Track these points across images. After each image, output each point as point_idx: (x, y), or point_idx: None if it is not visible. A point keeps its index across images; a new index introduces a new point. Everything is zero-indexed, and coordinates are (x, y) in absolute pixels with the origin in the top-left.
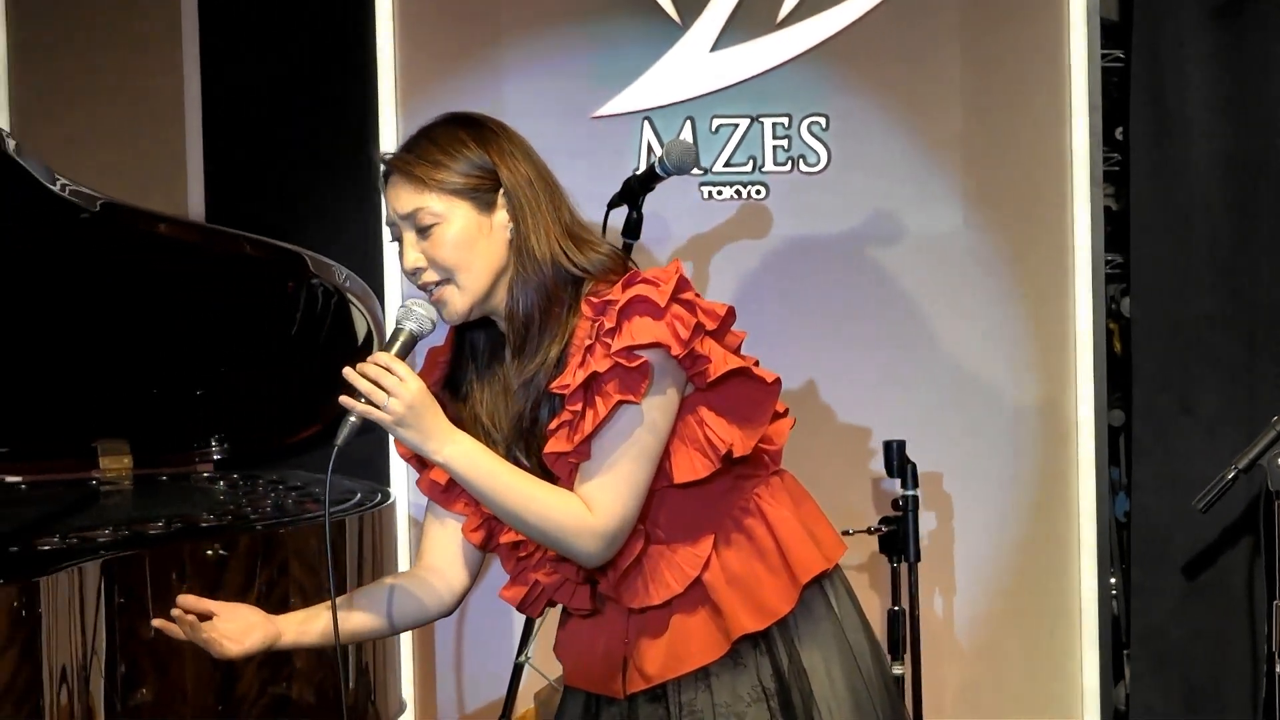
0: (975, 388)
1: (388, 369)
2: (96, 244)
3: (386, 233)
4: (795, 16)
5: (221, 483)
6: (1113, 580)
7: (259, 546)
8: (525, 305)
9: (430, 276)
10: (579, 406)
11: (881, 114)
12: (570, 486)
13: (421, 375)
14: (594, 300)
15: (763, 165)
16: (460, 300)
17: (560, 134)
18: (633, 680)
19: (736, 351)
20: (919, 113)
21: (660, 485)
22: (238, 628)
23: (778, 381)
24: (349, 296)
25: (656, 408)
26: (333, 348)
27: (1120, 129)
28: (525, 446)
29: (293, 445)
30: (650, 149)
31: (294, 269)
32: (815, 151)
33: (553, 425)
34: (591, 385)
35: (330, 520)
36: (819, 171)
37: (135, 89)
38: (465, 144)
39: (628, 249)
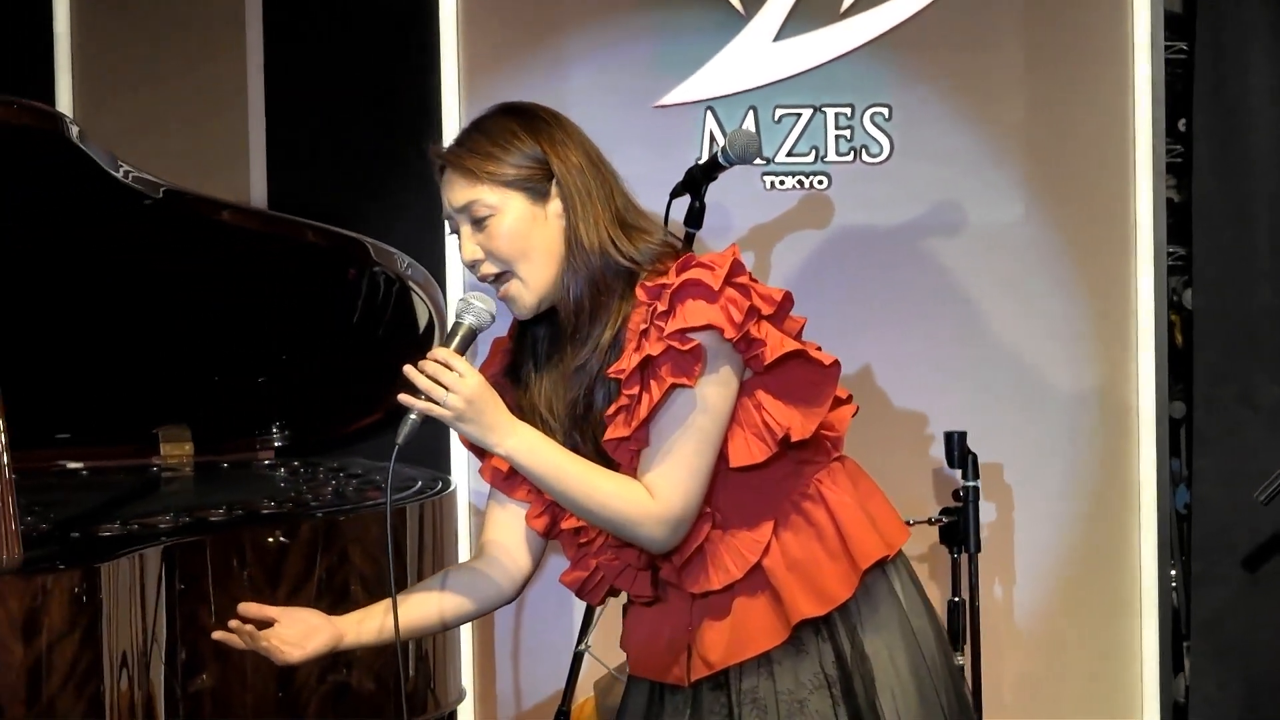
0: (1036, 379)
1: (446, 364)
2: (159, 231)
3: (445, 224)
4: (858, 7)
5: (282, 470)
6: (1173, 572)
7: (319, 534)
8: (575, 294)
9: (489, 269)
10: (635, 390)
11: (944, 104)
12: (631, 472)
13: (485, 365)
14: (648, 285)
15: (825, 155)
16: (527, 295)
17: (623, 123)
18: (696, 667)
19: (797, 336)
20: (981, 103)
21: (720, 470)
22: (299, 632)
23: (836, 364)
24: (410, 284)
25: (713, 391)
26: (394, 336)
27: (1183, 120)
28: (581, 433)
29: (353, 433)
30: (713, 138)
31: (355, 256)
32: (878, 142)
33: (610, 411)
34: (646, 369)
35: (391, 509)
36: (881, 162)
37: (198, 75)
38: (516, 135)
39: (690, 238)
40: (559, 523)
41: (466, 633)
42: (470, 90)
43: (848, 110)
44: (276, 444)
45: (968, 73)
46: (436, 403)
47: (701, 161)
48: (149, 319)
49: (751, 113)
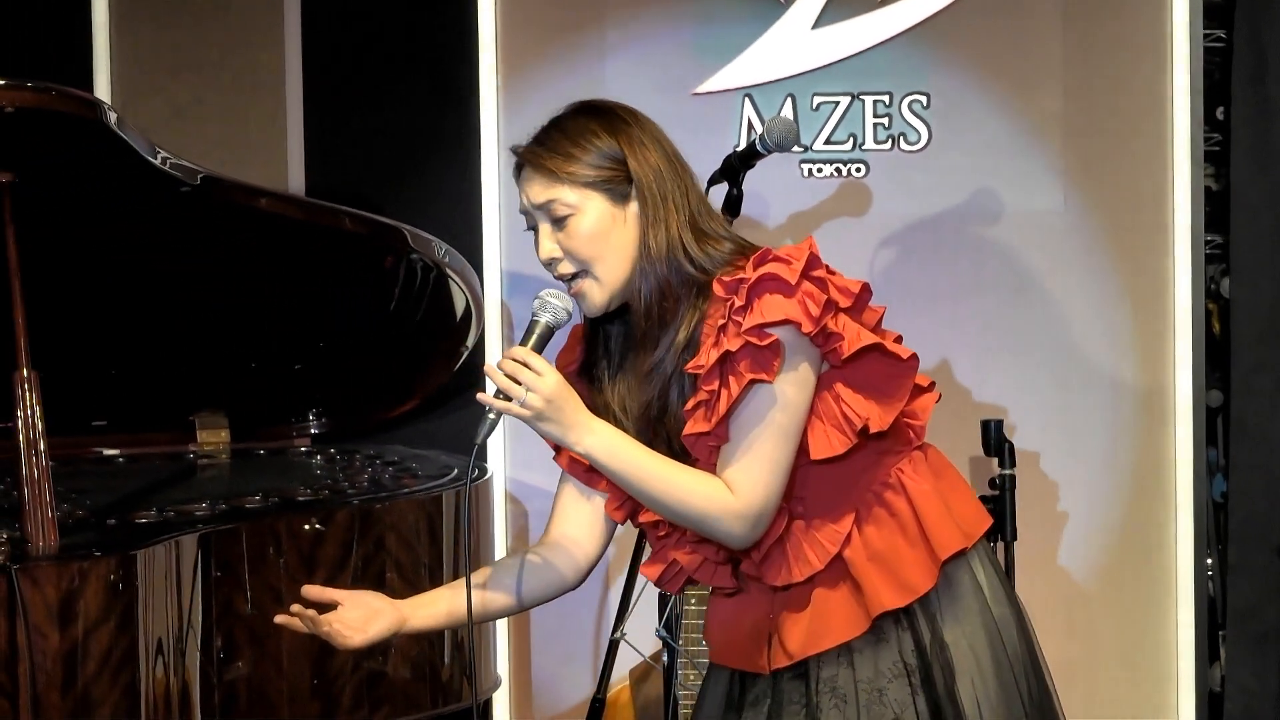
0: (1073, 367)
1: (524, 363)
2: (197, 217)
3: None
4: None
5: (318, 457)
6: (1209, 561)
7: (355, 521)
8: (645, 296)
9: (566, 268)
10: (714, 386)
11: (982, 93)
12: (710, 468)
13: (558, 362)
14: (726, 280)
15: (863, 143)
16: (599, 293)
17: (661, 110)
18: (776, 657)
19: (876, 327)
20: (1019, 91)
21: (800, 462)
22: (361, 616)
23: (915, 357)
24: (448, 271)
25: (791, 385)
26: (431, 323)
27: (1221, 109)
28: (655, 433)
29: (390, 420)
30: (751, 126)
31: (393, 244)
32: (915, 130)
33: (688, 406)
34: (725, 364)
35: (427, 496)
36: (919, 150)
37: (237, 63)
38: (596, 135)
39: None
40: (638, 515)
41: (502, 620)
42: (508, 78)
43: (886, 98)
44: (313, 431)
45: (1005, 60)
46: (515, 401)
47: (739, 149)
48: (186, 306)
49: (789, 100)
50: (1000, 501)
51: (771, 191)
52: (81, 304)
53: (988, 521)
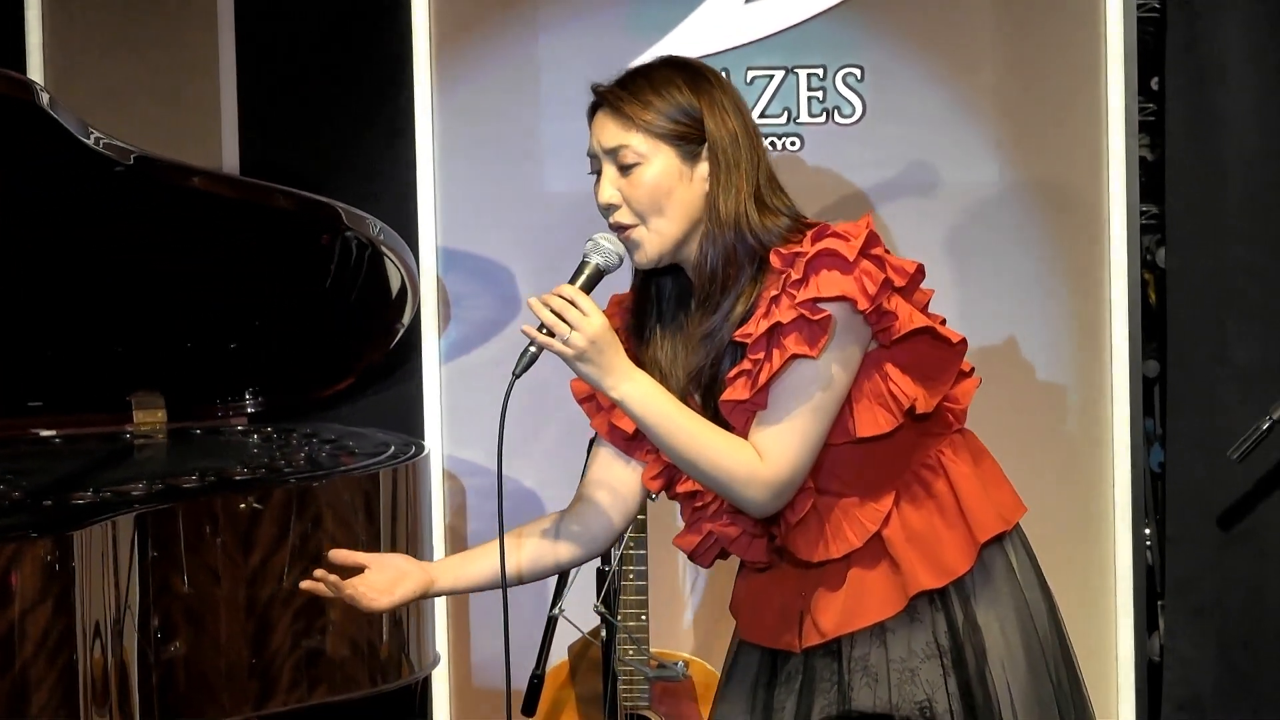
0: (1009, 338)
1: (572, 302)
2: (131, 197)
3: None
4: None
5: (255, 436)
6: (1147, 531)
7: (292, 500)
8: (711, 261)
9: (623, 216)
10: (760, 356)
11: (916, 65)
12: (745, 435)
13: (606, 313)
14: (783, 252)
15: (797, 116)
16: (651, 246)
17: None
18: (808, 634)
19: (925, 309)
20: (954, 64)
21: (842, 440)
22: (387, 579)
23: (963, 342)
24: (383, 249)
25: (835, 363)
26: (367, 301)
27: (1156, 79)
28: (702, 398)
29: (327, 398)
30: None
31: (328, 222)
32: (850, 103)
33: (732, 374)
34: (773, 335)
35: (364, 474)
36: (854, 123)
37: (170, 44)
38: (678, 88)
39: None
40: (675, 485)
41: (440, 598)
42: (441, 56)
43: (820, 71)
44: (250, 410)
45: (939, 33)
46: (559, 338)
47: None
48: (122, 286)
49: (724, 74)
50: None
51: None
52: (15, 284)
53: (1024, 509)
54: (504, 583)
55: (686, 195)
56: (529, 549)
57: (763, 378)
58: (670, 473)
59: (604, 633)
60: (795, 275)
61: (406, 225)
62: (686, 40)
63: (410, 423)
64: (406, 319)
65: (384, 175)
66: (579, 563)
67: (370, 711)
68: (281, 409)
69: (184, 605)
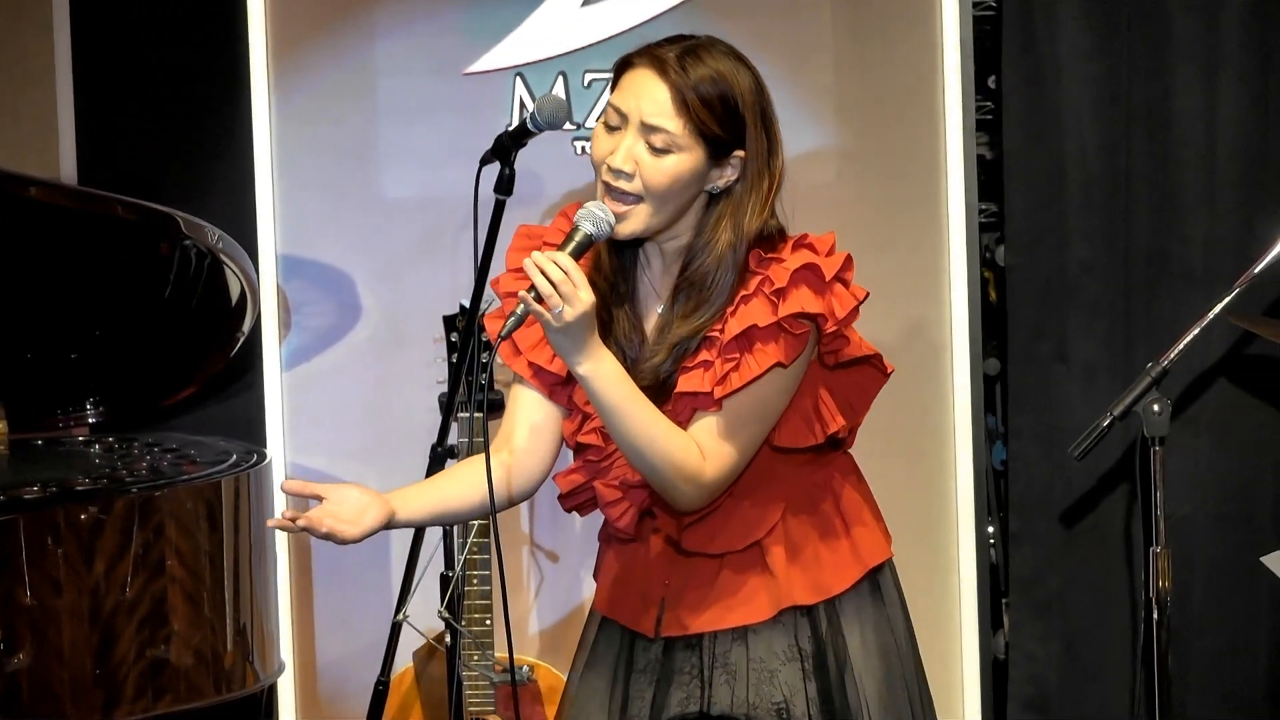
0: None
1: (567, 274)
2: None
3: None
4: None
5: (97, 446)
6: (990, 529)
7: (134, 509)
8: (708, 266)
9: (628, 186)
10: (735, 355)
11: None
12: (686, 426)
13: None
14: (762, 254)
15: None
16: (640, 224)
17: (432, 91)
18: (669, 625)
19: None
20: (791, 65)
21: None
22: (351, 510)
23: (890, 373)
24: (222, 257)
25: (791, 377)
26: (207, 309)
27: (993, 77)
28: (651, 389)
29: (168, 407)
30: (523, 105)
31: (167, 230)
32: None
33: (691, 363)
34: (745, 337)
35: (206, 482)
36: None
37: (5, 50)
38: (741, 97)
39: (500, 205)
40: (581, 432)
41: (285, 604)
42: (279, 62)
43: None
44: (91, 420)
45: (775, 34)
46: (551, 310)
47: (511, 128)
48: None
49: (561, 78)
50: None
51: (545, 169)
52: None
53: (890, 539)
54: (499, 563)
55: (695, 192)
56: (472, 482)
57: (737, 380)
58: (581, 421)
59: (448, 637)
60: (777, 282)
61: (245, 233)
62: (524, 44)
63: (252, 430)
64: (247, 327)
65: (222, 182)
66: (522, 500)
67: None
68: (123, 418)
69: (27, 616)
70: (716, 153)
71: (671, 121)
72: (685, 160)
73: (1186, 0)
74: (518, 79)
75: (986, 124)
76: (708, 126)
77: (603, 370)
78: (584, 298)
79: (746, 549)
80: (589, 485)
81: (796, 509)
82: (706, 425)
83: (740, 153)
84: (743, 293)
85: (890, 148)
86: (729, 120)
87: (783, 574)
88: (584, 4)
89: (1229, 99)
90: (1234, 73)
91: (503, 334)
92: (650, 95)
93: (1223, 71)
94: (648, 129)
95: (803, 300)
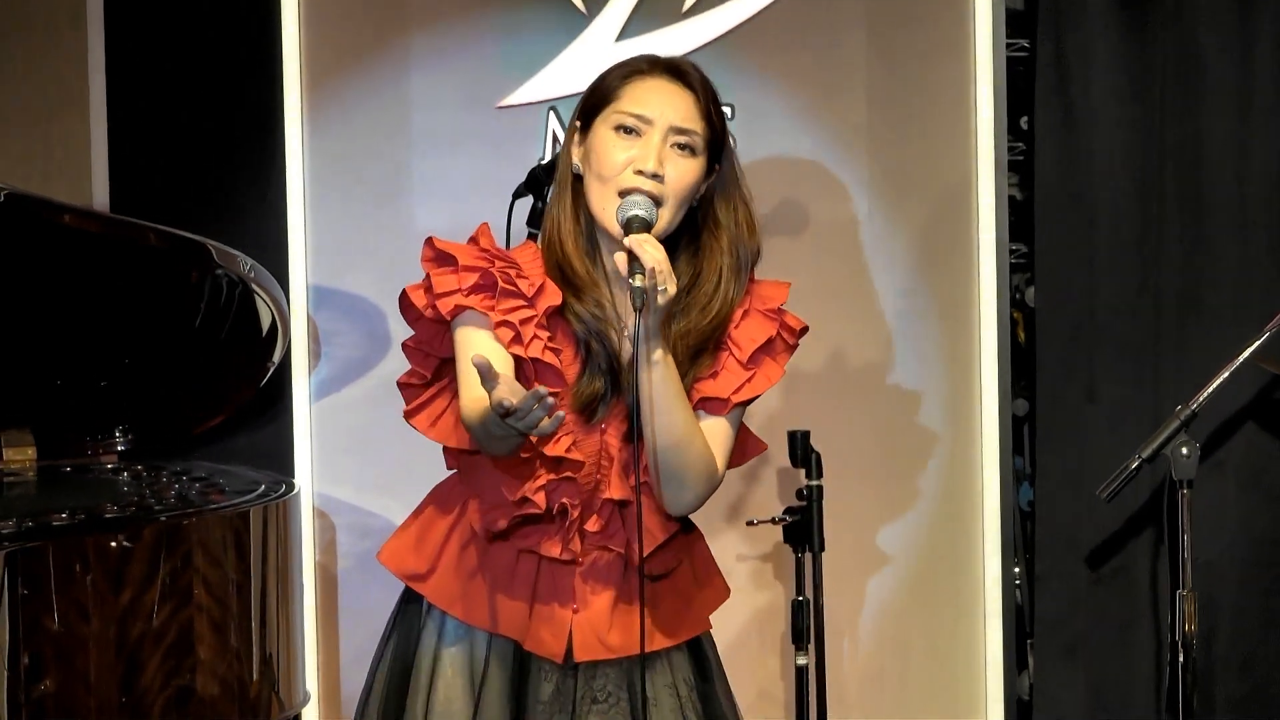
0: (880, 377)
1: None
2: (0, 234)
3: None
4: (700, 7)
5: (125, 474)
6: (1017, 570)
7: (162, 538)
8: (715, 272)
9: (654, 188)
10: (755, 367)
11: (786, 104)
12: None
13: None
14: (754, 281)
15: None
16: (665, 224)
17: (466, 124)
18: (590, 648)
19: None
20: (824, 103)
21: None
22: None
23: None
24: (253, 286)
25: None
26: (237, 338)
27: (1025, 118)
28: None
29: (197, 436)
30: (555, 139)
31: (198, 259)
32: None
33: (715, 368)
34: (769, 347)
35: (234, 511)
36: None
37: (39, 78)
38: (724, 108)
39: (532, 239)
40: (548, 445)
41: (310, 635)
42: (312, 92)
43: None
44: (120, 447)
45: (810, 72)
46: (659, 288)
47: (544, 162)
48: None
49: None
50: (807, 512)
51: None
52: None
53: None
54: (638, 533)
55: (688, 203)
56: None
57: (761, 385)
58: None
59: None
60: (774, 302)
61: (277, 263)
62: (557, 78)
63: (281, 460)
64: (277, 357)
65: (255, 212)
66: None
67: None
68: (152, 446)
69: (54, 643)
70: (709, 164)
71: (699, 125)
72: (697, 165)
73: (1219, 42)
74: (551, 113)
75: (1018, 164)
76: (715, 135)
77: (669, 360)
78: (673, 282)
79: (674, 570)
80: (524, 501)
81: (689, 544)
82: (719, 427)
83: (718, 166)
84: (743, 308)
85: (922, 186)
86: (723, 133)
87: (696, 601)
88: (619, 39)
89: (1261, 141)
90: (1266, 115)
91: (638, 306)
92: (680, 103)
93: (1254, 114)
94: (678, 131)
95: (794, 321)
